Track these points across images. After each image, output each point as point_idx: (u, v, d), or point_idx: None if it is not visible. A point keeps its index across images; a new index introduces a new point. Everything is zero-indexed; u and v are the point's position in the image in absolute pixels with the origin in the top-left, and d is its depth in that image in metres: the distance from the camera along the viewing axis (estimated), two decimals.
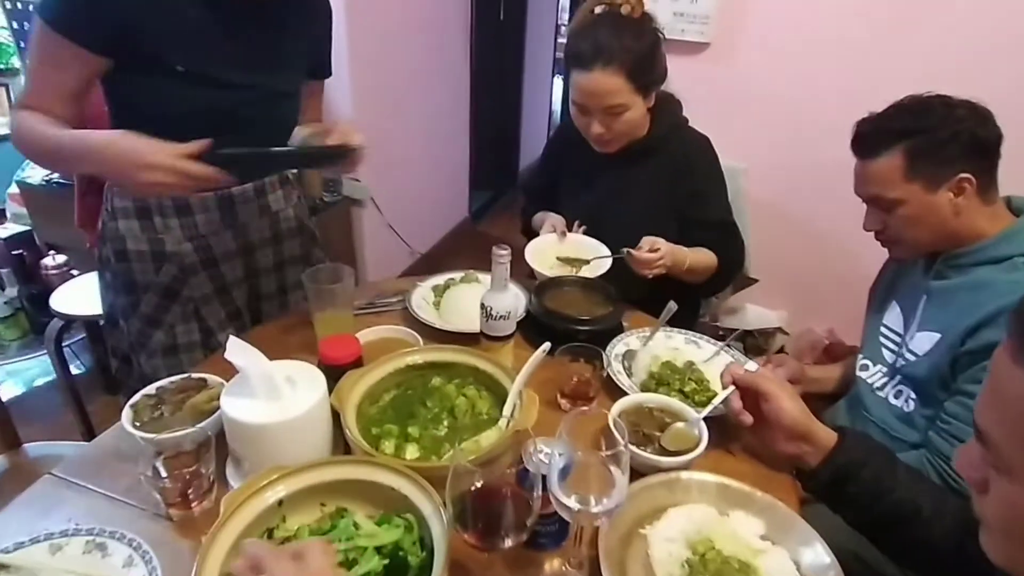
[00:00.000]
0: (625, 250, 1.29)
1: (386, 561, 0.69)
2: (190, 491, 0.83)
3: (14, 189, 2.47)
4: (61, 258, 2.33)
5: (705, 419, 0.96)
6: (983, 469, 0.52)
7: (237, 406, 0.82)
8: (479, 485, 0.68)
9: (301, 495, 0.76)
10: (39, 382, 2.41)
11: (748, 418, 0.91)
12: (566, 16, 4.43)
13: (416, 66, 2.84)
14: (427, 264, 3.16)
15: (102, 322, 1.37)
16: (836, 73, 2.06)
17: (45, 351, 2.08)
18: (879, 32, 1.99)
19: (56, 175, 2.28)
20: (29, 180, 2.36)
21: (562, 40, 4.53)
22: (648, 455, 0.89)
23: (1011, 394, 0.48)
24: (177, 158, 0.91)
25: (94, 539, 0.76)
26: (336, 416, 0.90)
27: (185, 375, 1.00)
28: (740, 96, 2.21)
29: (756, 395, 0.91)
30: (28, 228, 2.50)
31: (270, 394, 0.83)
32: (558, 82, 4.59)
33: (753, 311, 2.33)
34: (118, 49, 1.00)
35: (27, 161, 2.29)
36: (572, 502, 0.67)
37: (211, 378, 0.99)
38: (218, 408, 0.90)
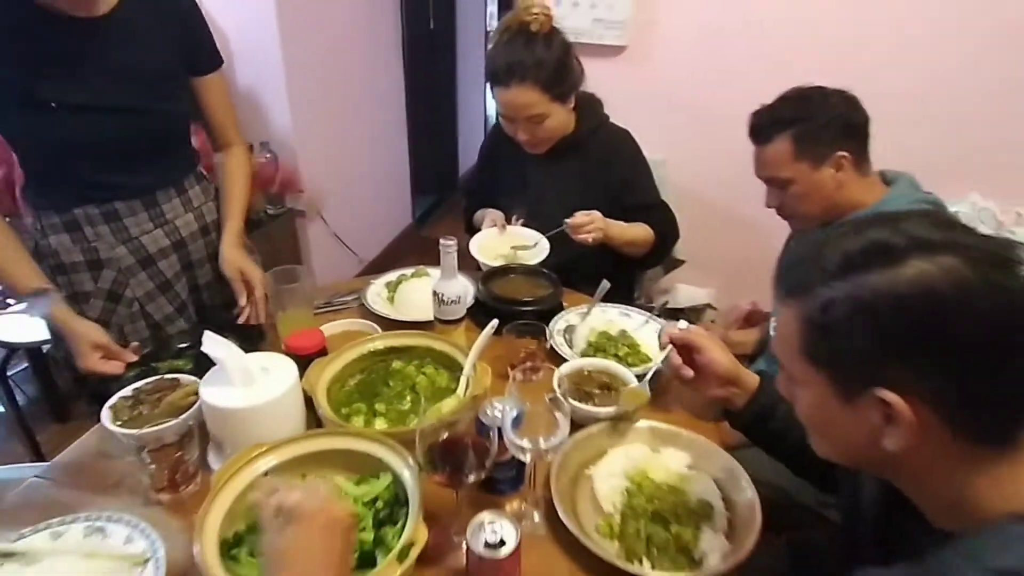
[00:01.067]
0: (564, 222, 1.42)
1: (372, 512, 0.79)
2: (177, 476, 0.90)
3: None
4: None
5: (642, 376, 1.09)
6: (789, 387, 0.67)
7: (216, 394, 0.90)
8: (445, 437, 0.79)
9: (285, 466, 0.85)
10: None
11: (688, 371, 0.99)
12: (494, 22, 4.58)
13: (352, 78, 2.90)
14: (374, 271, 3.20)
15: (47, 346, 1.39)
16: (741, 69, 2.26)
17: None
18: (777, 30, 2.21)
19: None
20: None
21: (491, 46, 4.69)
22: (589, 408, 1.02)
23: (780, 326, 0.63)
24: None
25: (92, 524, 0.82)
26: (308, 401, 0.99)
27: (158, 376, 1.06)
28: (656, 93, 2.40)
29: (691, 350, 1.00)
30: None
31: (246, 381, 0.92)
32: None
33: (684, 290, 2.52)
34: None
35: None
36: (525, 443, 0.79)
37: (183, 377, 1.06)
38: (193, 403, 0.98)
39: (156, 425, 0.93)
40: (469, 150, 4.45)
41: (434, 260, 1.16)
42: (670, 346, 1.03)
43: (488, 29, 4.83)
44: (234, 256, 1.26)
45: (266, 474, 0.83)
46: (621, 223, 1.47)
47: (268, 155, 2.44)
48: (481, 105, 4.83)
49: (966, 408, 0.54)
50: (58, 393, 2.27)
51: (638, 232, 1.51)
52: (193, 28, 1.23)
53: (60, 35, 1.05)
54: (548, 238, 1.50)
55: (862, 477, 0.75)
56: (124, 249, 1.24)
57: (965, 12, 2.04)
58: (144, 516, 0.84)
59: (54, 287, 1.14)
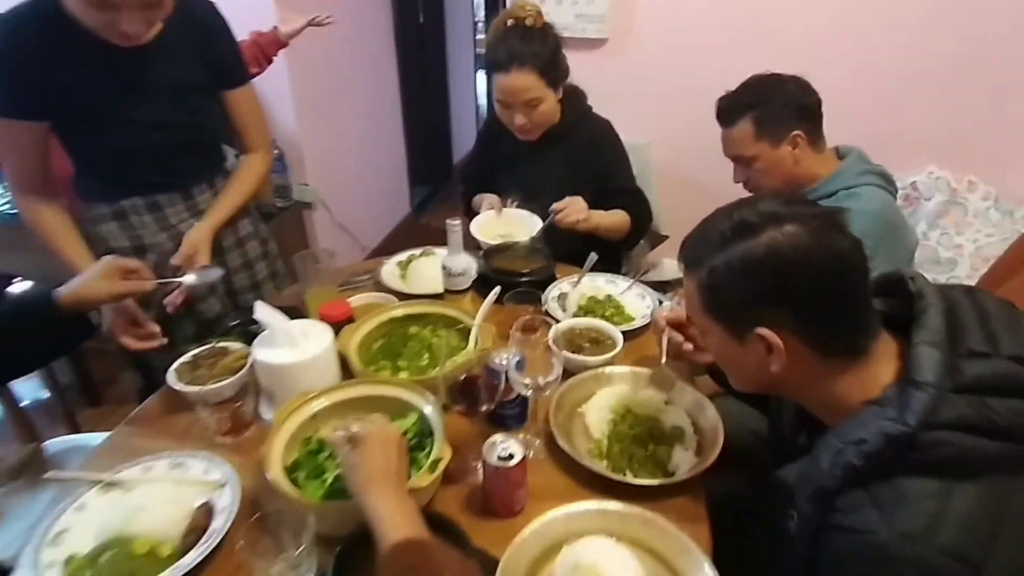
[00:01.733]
0: (551, 210, 1.58)
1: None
2: (237, 423, 1.08)
3: None
4: (28, 283, 2.43)
5: (624, 332, 1.27)
6: (703, 338, 0.86)
7: (268, 354, 1.07)
8: (462, 378, 0.97)
9: (328, 410, 1.03)
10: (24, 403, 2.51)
11: (689, 345, 1.10)
12: (482, 14, 4.71)
13: (347, 74, 3.05)
14: (377, 257, 3.38)
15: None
16: (712, 55, 2.43)
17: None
18: (744, 18, 2.38)
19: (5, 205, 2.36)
20: None
21: (480, 37, 4.83)
22: (580, 358, 1.19)
23: (685, 291, 0.82)
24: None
25: (175, 460, 1.00)
26: (341, 360, 1.16)
27: (210, 345, 1.23)
28: (637, 81, 2.57)
29: (683, 325, 1.13)
30: None
31: (291, 343, 1.09)
32: (481, 76, 4.86)
33: (669, 264, 2.69)
34: (51, 112, 1.23)
35: None
36: (527, 381, 0.97)
37: (231, 345, 1.23)
38: (243, 366, 1.15)
39: (218, 382, 1.11)
40: (462, 139, 4.61)
41: (433, 245, 1.32)
42: (667, 328, 1.13)
43: (477, 20, 4.98)
44: (195, 236, 1.34)
45: (314, 416, 1.01)
46: (601, 211, 1.64)
47: (276, 151, 2.60)
48: (472, 96, 4.98)
49: (819, 333, 0.73)
50: (92, 379, 2.44)
51: (616, 219, 1.69)
52: (224, 49, 1.38)
53: (115, 63, 1.21)
54: (536, 248, 1.58)
55: (783, 405, 0.94)
56: (165, 235, 1.40)
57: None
58: (213, 455, 1.01)
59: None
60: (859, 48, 2.31)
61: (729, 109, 1.47)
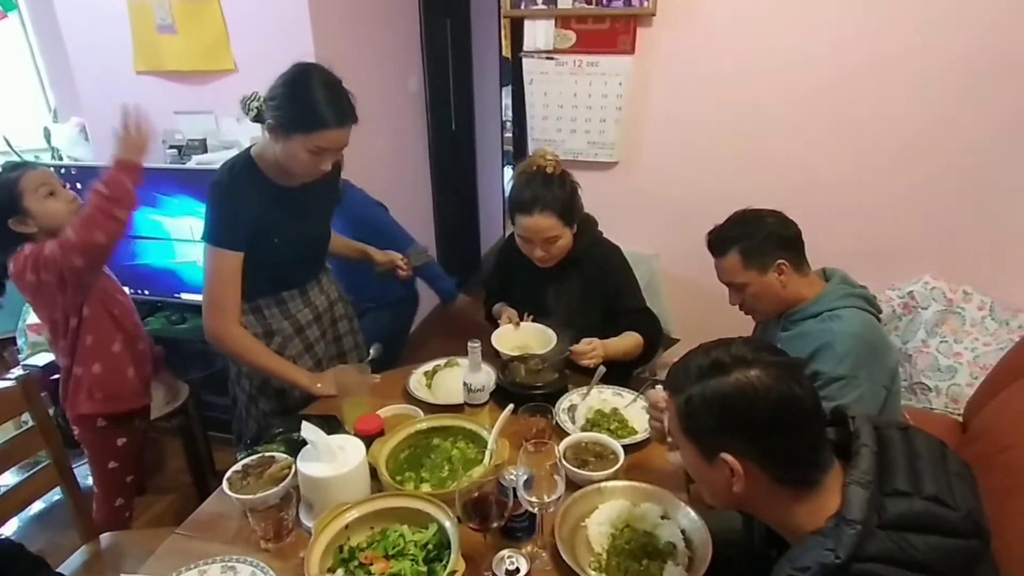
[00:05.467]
0: (568, 350, 1.73)
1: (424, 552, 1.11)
2: (279, 529, 1.23)
3: (32, 319, 2.71)
4: None
5: (625, 447, 1.40)
6: (681, 454, 0.99)
7: (310, 467, 1.23)
8: (475, 495, 1.11)
9: (359, 520, 1.17)
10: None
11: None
12: (509, 113, 5.12)
13: (387, 177, 3.36)
14: (410, 346, 3.58)
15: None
16: (715, 176, 2.66)
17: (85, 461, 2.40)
18: (748, 141, 2.61)
19: None
20: None
21: (508, 135, 5.23)
22: (584, 472, 1.33)
23: (669, 412, 0.97)
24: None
25: (226, 563, 1.15)
26: (371, 470, 1.32)
27: (260, 455, 1.40)
28: (644, 199, 2.80)
29: None
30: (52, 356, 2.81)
31: (329, 457, 1.25)
32: (508, 171, 5.21)
33: None
34: (249, 242, 1.59)
35: None
36: (533, 499, 1.11)
37: (277, 455, 1.40)
38: (287, 475, 1.31)
39: (263, 492, 1.27)
40: (488, 232, 4.90)
41: (458, 336, 1.52)
42: (662, 423, 1.28)
43: (504, 119, 5.39)
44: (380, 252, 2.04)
45: (347, 526, 1.16)
46: (615, 340, 1.80)
47: None
48: (499, 191, 5.31)
49: (775, 463, 0.86)
50: (142, 468, 2.61)
51: (628, 343, 1.83)
52: (336, 184, 1.85)
53: (283, 198, 1.62)
54: (555, 360, 1.73)
55: (755, 520, 1.05)
56: (286, 323, 1.76)
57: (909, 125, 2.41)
58: (258, 559, 1.16)
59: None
60: (857, 161, 2.50)
61: (717, 242, 1.65)
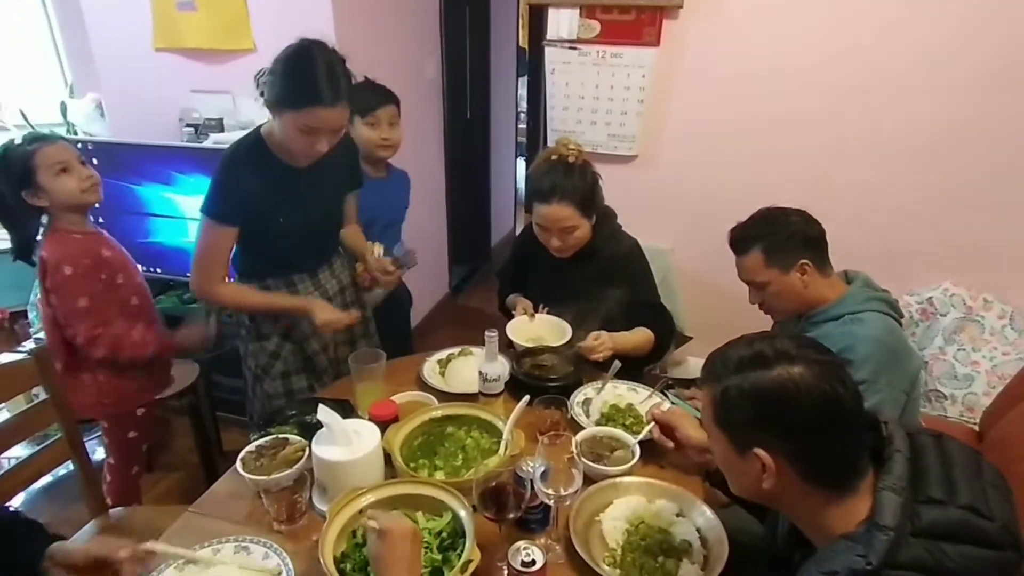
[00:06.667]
0: (576, 346, 1.72)
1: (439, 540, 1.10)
2: (292, 512, 1.22)
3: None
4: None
5: (640, 442, 1.39)
6: (712, 444, 0.97)
7: (325, 451, 1.23)
8: (492, 485, 1.10)
9: (374, 505, 1.16)
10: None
11: (668, 443, 1.28)
12: (524, 104, 5.09)
13: (400, 160, 3.33)
14: (419, 335, 3.57)
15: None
16: (733, 172, 2.63)
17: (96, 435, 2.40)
18: (768, 140, 2.57)
19: None
20: None
21: (522, 126, 5.20)
22: (600, 467, 1.31)
23: (702, 403, 0.95)
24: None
25: (240, 543, 1.14)
26: (386, 456, 1.31)
27: (273, 436, 1.39)
28: (662, 193, 2.77)
29: (670, 427, 1.30)
30: None
31: (344, 441, 1.24)
32: (521, 163, 5.18)
33: (693, 362, 2.80)
34: (245, 219, 1.58)
35: None
36: (550, 492, 1.10)
37: (291, 437, 1.39)
38: (302, 457, 1.31)
39: (276, 473, 1.26)
40: (499, 222, 4.88)
41: (468, 327, 1.51)
42: (653, 422, 1.32)
43: (519, 111, 5.35)
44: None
45: (361, 511, 1.15)
46: (625, 333, 1.78)
47: None
48: (512, 181, 5.28)
49: (809, 464, 0.84)
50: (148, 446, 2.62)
51: (639, 338, 1.81)
52: (354, 170, 1.84)
53: (289, 178, 1.60)
54: (564, 354, 1.72)
55: (779, 520, 1.04)
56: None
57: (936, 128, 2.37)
58: (272, 541, 1.16)
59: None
60: (878, 163, 2.46)
61: (740, 240, 1.62)
